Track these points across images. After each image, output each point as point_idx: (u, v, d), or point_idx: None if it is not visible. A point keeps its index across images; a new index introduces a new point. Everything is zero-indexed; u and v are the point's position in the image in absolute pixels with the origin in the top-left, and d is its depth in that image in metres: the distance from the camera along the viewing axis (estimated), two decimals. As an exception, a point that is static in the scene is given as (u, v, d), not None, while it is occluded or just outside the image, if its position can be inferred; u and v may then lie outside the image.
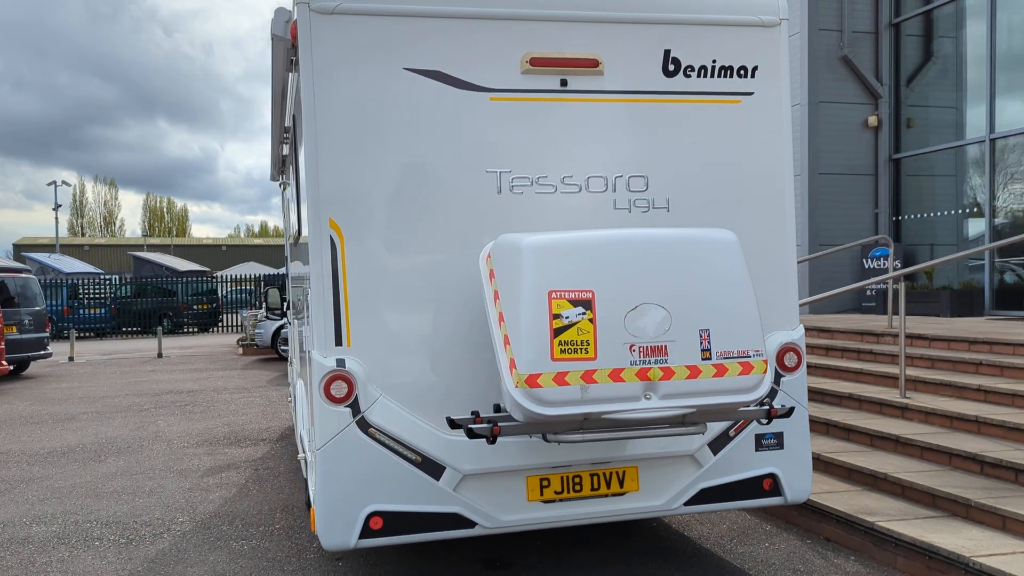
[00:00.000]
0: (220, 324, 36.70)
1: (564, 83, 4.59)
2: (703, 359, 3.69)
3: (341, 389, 4.28)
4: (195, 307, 35.85)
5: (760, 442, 4.77)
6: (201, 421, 11.76)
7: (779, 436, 4.79)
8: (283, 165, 8.24)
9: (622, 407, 3.63)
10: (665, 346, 3.66)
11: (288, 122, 5.84)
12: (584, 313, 3.59)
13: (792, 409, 4.15)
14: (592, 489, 4.59)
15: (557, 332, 3.57)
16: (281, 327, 20.33)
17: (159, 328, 24.18)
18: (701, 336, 3.69)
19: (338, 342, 4.33)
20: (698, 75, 4.75)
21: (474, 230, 4.48)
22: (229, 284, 39.07)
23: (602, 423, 3.75)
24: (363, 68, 4.37)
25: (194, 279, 36.79)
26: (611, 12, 4.63)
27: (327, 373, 4.27)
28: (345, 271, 4.34)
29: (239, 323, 36.82)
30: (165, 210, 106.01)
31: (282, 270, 48.81)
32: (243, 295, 39.28)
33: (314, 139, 4.31)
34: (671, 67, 4.71)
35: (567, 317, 3.58)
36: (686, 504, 4.71)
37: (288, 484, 7.87)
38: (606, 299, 3.62)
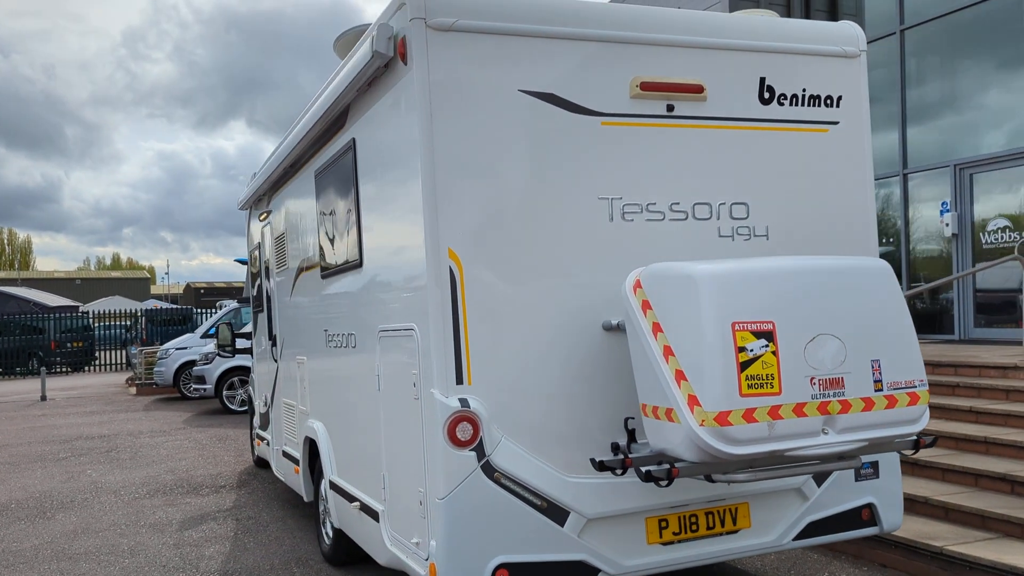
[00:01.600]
0: (95, 363, 34.43)
1: (671, 108, 4.47)
2: (875, 390, 3.61)
3: (466, 431, 3.96)
4: (68, 345, 33.50)
5: (858, 472, 4.73)
6: (137, 469, 10.86)
7: (875, 465, 4.77)
8: (273, 191, 7.75)
9: (804, 443, 3.50)
10: (842, 378, 3.55)
11: (338, 147, 5.46)
12: (767, 345, 3.45)
13: (936, 439, 4.13)
14: (708, 528, 4.43)
15: (744, 366, 3.41)
16: (187, 364, 19.22)
17: (43, 369, 22.41)
18: (873, 367, 3.61)
19: (459, 380, 4.02)
20: (790, 103, 4.73)
21: (587, 259, 4.29)
22: (103, 320, 36.78)
23: (776, 460, 3.60)
24: (479, 89, 4.12)
25: (65, 315, 34.42)
26: (714, 39, 4.56)
27: (451, 414, 3.95)
28: (465, 304, 4.04)
29: (121, 361, 34.69)
30: (7, 241, 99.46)
31: (146, 303, 46.61)
32: (118, 331, 37.05)
33: (431, 163, 4.02)
34: (766, 94, 4.67)
35: (751, 350, 3.42)
36: (794, 539, 4.61)
37: (285, 534, 7.32)
38: (786, 330, 3.49)
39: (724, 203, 4.57)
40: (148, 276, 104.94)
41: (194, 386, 17.65)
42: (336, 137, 5.50)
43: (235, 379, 16.94)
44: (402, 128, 4.29)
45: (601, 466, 3.95)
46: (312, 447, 6.66)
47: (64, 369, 33.40)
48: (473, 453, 3.98)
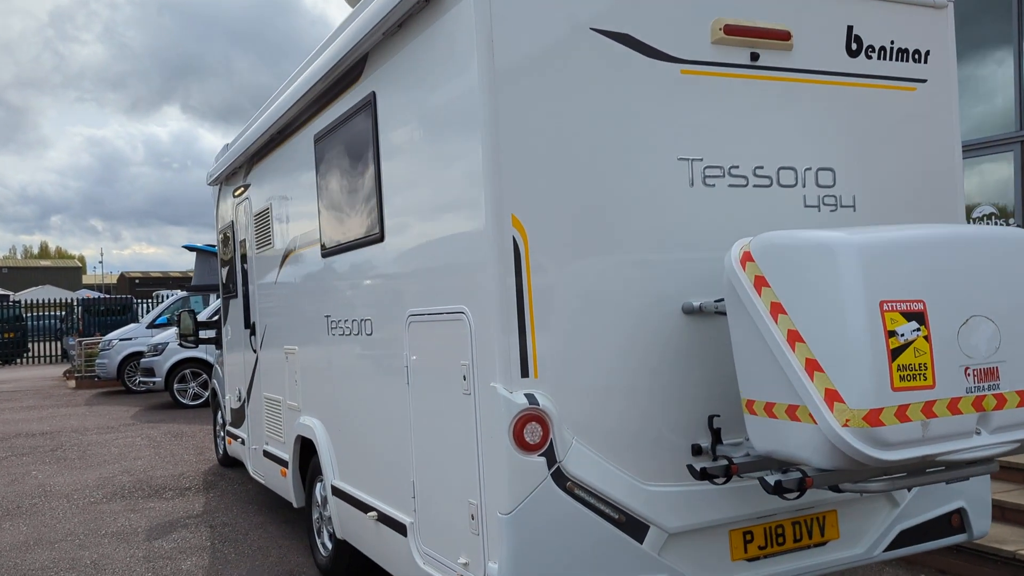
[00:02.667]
0: (28, 355, 32.76)
1: (755, 57, 3.87)
2: (1031, 382, 3.06)
3: (535, 433, 3.32)
4: (-2, 336, 31.78)
5: (949, 473, 4.20)
6: (88, 470, 9.95)
7: (966, 465, 4.25)
8: (253, 163, 6.96)
9: (957, 446, 2.94)
10: (996, 368, 3.00)
11: (351, 104, 4.73)
12: (918, 329, 2.87)
13: None
14: (795, 540, 3.86)
15: (894, 354, 2.83)
16: (132, 356, 18.14)
17: (-27, 361, 20.97)
18: (1027, 354, 3.06)
19: (524, 373, 3.36)
20: (878, 56, 4.17)
21: (665, 231, 3.67)
22: (35, 309, 35.04)
23: (923, 466, 3.04)
24: (547, 26, 3.46)
25: (-6, 305, 32.68)
26: (801, -24, 3.97)
27: (519, 413, 3.30)
28: (531, 282, 3.39)
29: (56, 353, 33.09)
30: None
31: (79, 292, 44.01)
32: (51, 321, 35.36)
33: (493, 114, 3.35)
34: (854, 46, 4.10)
35: (902, 335, 2.84)
36: (885, 550, 4.07)
37: (268, 544, 6.57)
38: (937, 311, 2.92)
39: (810, 168, 3.99)
40: (79, 265, 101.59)
41: (141, 379, 16.60)
42: (347, 93, 4.78)
43: (187, 371, 15.98)
44: (450, 75, 3.61)
45: (703, 474, 3.35)
46: (305, 447, 5.94)
47: (-6, 361, 31.76)
48: (543, 459, 3.34)
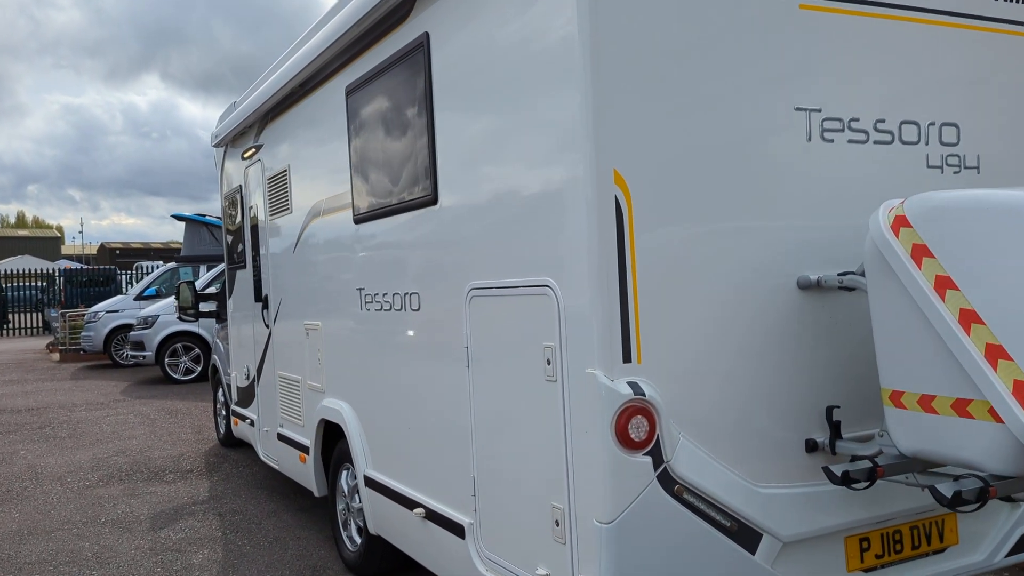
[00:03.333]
0: (8, 326, 31.97)
1: (880, -7, 3.35)
2: None
3: (641, 428, 2.82)
4: (-23, 307, 30.96)
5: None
6: (80, 450, 9.41)
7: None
8: (267, 120, 6.38)
9: None
10: None
11: (395, 48, 4.17)
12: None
13: None
14: (913, 547, 3.40)
15: (1098, 337, 2.34)
16: (119, 328, 17.52)
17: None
18: None
19: (626, 357, 2.86)
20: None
21: (780, 192, 3.17)
22: (14, 280, 34.14)
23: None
24: (653, -53, 2.93)
25: (-27, 274, 31.82)
26: (932, -103, 3.44)
27: (623, 405, 2.80)
28: (634, 249, 2.88)
29: (37, 324, 32.30)
30: None
31: (58, 263, 42.63)
32: (31, 292, 34.50)
33: (593, 53, 2.82)
34: (994, -14, 3.60)
35: (1104, 314, 2.36)
36: (1007, 555, 3.63)
37: (285, 534, 6.07)
38: None
39: (933, 123, 3.49)
40: (58, 235, 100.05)
41: (130, 353, 15.98)
42: (389, 36, 4.22)
43: (178, 345, 15.40)
44: (532, 6, 3.07)
45: (844, 478, 2.87)
46: (329, 432, 5.43)
47: (-27, 333, 30.98)
48: (648, 458, 2.84)
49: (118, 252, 72.75)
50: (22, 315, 32.73)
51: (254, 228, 6.85)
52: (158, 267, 24.59)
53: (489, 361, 3.50)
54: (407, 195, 4.12)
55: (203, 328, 15.08)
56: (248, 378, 7.32)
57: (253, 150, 6.74)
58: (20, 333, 32.04)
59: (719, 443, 3.01)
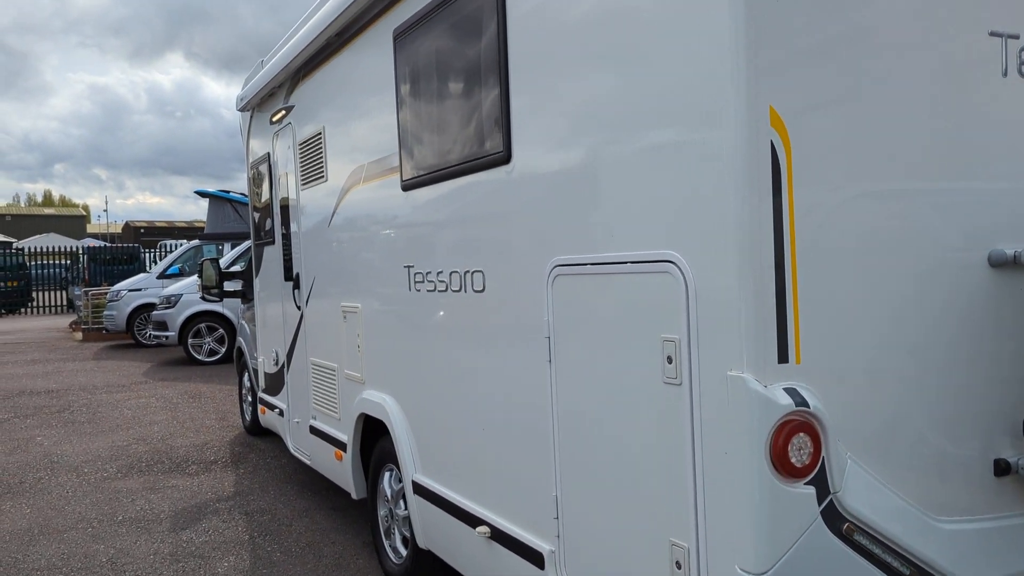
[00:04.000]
0: (32, 304, 31.70)
1: None
2: None
3: (804, 450, 2.15)
4: (1, 284, 30.68)
5: None
6: (99, 436, 8.86)
7: None
8: (299, 78, 5.71)
9: None
10: None
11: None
12: None
13: None
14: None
15: None
16: (142, 307, 17.04)
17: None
18: None
19: (782, 356, 2.18)
20: None
21: (966, 145, 2.46)
22: (39, 258, 33.87)
23: None
24: None
25: (-3, 252, 31.54)
26: None
27: (781, 418, 2.12)
28: (793, 213, 2.19)
29: (62, 303, 32.03)
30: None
31: (83, 241, 42.18)
32: (57, 270, 34.22)
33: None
34: None
35: None
36: None
37: (320, 539, 5.46)
38: None
39: None
40: (84, 214, 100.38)
41: (153, 333, 15.46)
42: (449, -36, 3.53)
43: (202, 326, 14.85)
44: None
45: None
46: (369, 428, 4.80)
47: (-3, 311, 30.75)
48: (811, 489, 2.17)
49: (142, 231, 72.74)
50: (47, 293, 32.48)
51: (284, 200, 6.20)
52: (181, 245, 24.12)
53: (580, 355, 2.82)
54: (470, 154, 3.44)
55: (227, 308, 14.54)
56: (277, 364, 6.70)
57: (283, 112, 6.08)
58: (45, 311, 31.78)
59: (892, 466, 2.34)
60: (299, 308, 5.94)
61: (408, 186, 4.05)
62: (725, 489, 2.22)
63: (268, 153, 6.56)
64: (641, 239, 2.50)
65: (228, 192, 17.49)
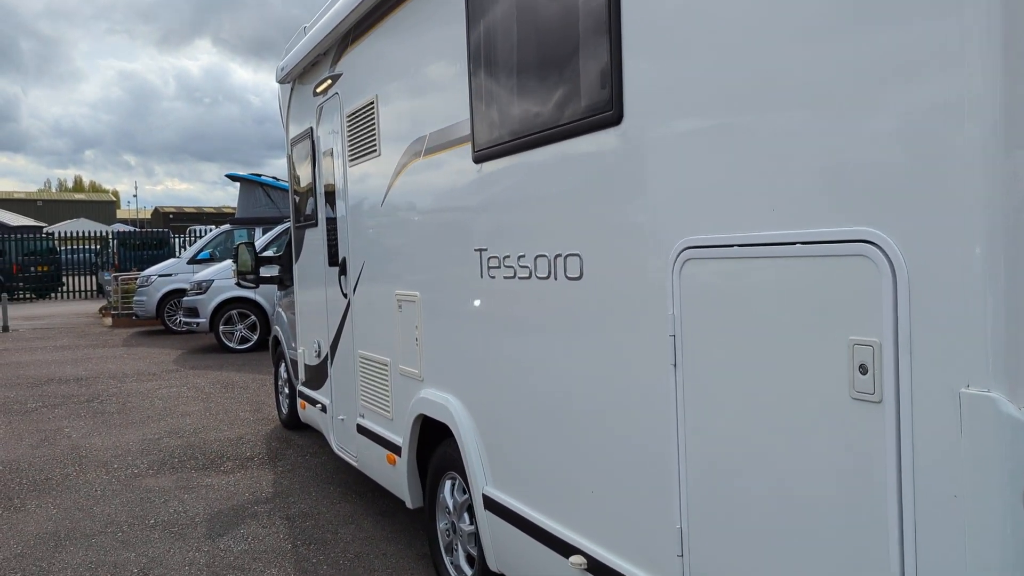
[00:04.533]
0: (62, 289, 31.62)
1: None
2: None
3: (1071, 494, 1.60)
4: (31, 269, 30.63)
5: None
6: (130, 428, 8.45)
7: None
8: (346, 44, 5.19)
9: None
10: None
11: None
12: None
13: None
14: None
15: None
16: (172, 293, 16.69)
17: (3, 295, 19.63)
18: None
19: (1037, 365, 1.63)
20: None
21: None
22: (69, 242, 33.79)
23: None
24: None
25: (28, 236, 31.46)
26: None
27: (1044, 454, 1.58)
28: (1053, 178, 1.63)
29: (91, 288, 31.94)
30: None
31: (114, 226, 41.78)
32: (86, 255, 34.15)
33: None
34: None
35: None
36: None
37: (368, 550, 4.97)
38: None
39: None
40: (114, 199, 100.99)
41: (183, 319, 15.09)
42: None
43: (233, 312, 14.45)
44: None
45: None
46: (428, 431, 4.30)
47: (28, 296, 30.69)
48: (1075, 543, 1.62)
49: (171, 216, 72.92)
50: (77, 278, 32.40)
51: (329, 178, 5.70)
52: (211, 231, 23.79)
53: (719, 360, 2.28)
54: (565, 116, 2.90)
55: (260, 295, 14.13)
56: (319, 356, 6.21)
57: (329, 82, 5.56)
58: (75, 296, 31.69)
59: None
60: (345, 295, 5.44)
61: (481, 157, 3.52)
62: (954, 548, 1.68)
63: (311, 128, 6.05)
64: (818, 214, 1.95)
65: (260, 175, 17.10)
